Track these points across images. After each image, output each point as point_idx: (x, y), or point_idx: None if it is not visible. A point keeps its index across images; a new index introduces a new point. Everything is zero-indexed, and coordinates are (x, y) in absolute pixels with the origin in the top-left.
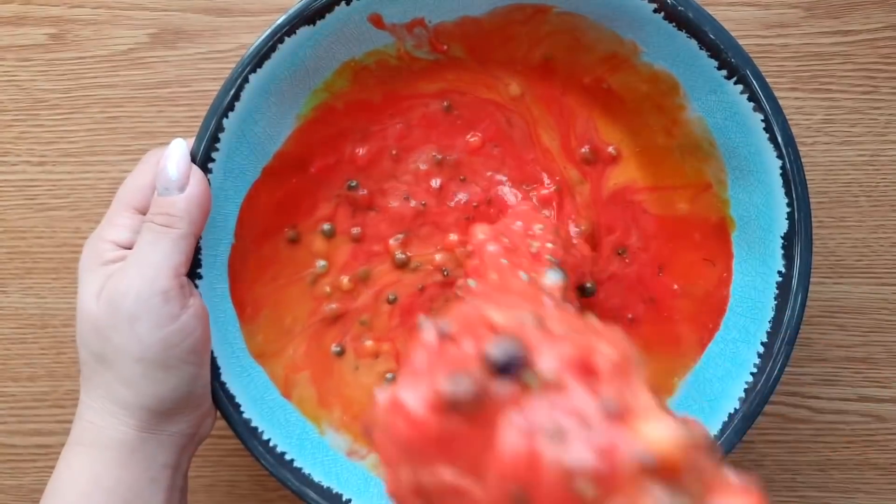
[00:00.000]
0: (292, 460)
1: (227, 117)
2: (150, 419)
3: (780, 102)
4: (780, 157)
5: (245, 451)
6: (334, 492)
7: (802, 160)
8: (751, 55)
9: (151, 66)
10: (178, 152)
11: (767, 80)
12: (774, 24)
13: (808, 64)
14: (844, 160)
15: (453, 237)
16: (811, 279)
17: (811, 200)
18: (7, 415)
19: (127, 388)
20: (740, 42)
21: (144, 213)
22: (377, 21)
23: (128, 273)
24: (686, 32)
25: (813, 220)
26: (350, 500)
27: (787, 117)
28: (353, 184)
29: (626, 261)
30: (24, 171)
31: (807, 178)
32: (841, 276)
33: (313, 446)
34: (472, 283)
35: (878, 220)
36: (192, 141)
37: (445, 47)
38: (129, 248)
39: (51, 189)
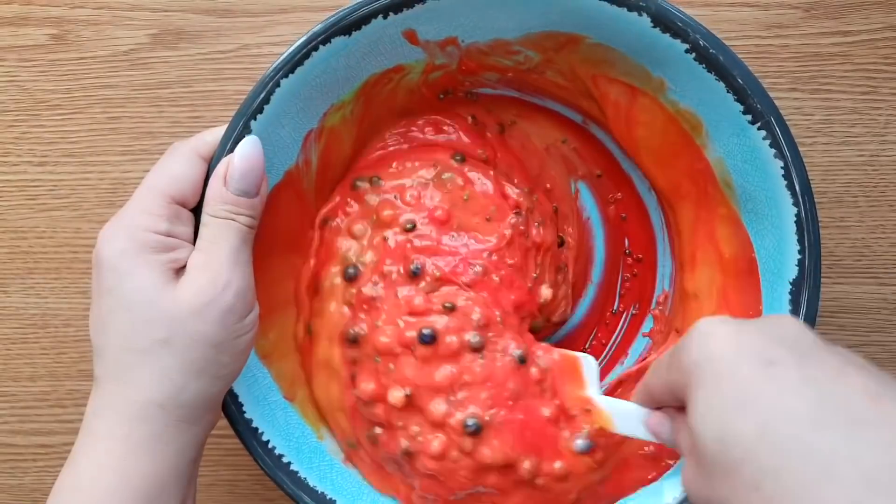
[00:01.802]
0: (289, 463)
1: (255, 119)
2: (194, 410)
3: (779, 103)
4: (795, 204)
5: (246, 451)
6: (328, 497)
7: (803, 160)
8: (750, 56)
9: (152, 67)
10: (257, 152)
11: (767, 81)
12: (774, 24)
13: (808, 64)
14: (843, 160)
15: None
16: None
17: None
18: (8, 414)
19: (189, 374)
20: (739, 43)
21: (181, 205)
22: (412, 37)
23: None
24: (715, 75)
25: None
26: None
27: (787, 118)
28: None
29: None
30: (25, 172)
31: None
32: (840, 277)
33: (311, 450)
34: None
35: (877, 220)
36: (252, 140)
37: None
38: (170, 237)
39: (52, 189)
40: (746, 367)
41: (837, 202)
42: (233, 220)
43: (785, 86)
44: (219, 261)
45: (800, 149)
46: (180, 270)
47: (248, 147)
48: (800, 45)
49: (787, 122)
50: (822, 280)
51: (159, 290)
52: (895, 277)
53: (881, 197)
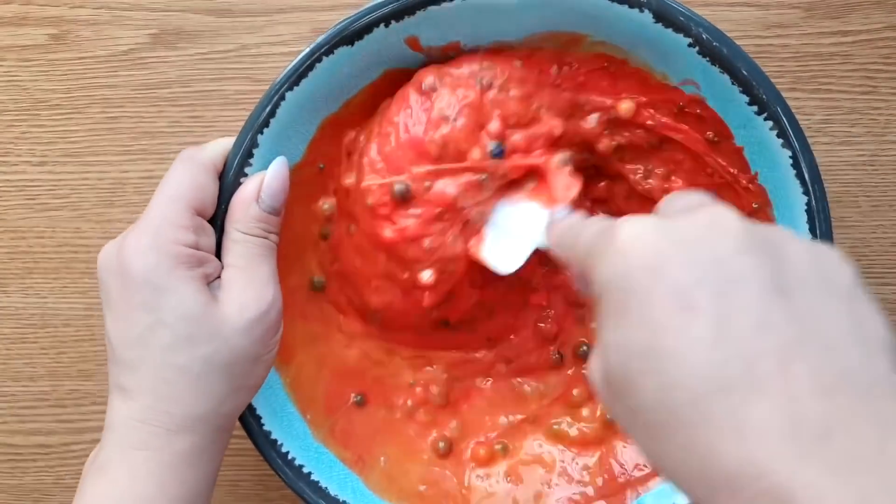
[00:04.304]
0: (310, 473)
1: (262, 133)
2: (230, 420)
3: None
4: (805, 193)
5: (247, 451)
6: None
7: (811, 149)
8: (750, 55)
9: (152, 67)
10: (286, 171)
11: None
12: (774, 24)
13: (808, 64)
14: (844, 160)
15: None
16: None
17: None
18: (7, 414)
19: (229, 387)
20: (739, 43)
21: (199, 215)
22: (414, 44)
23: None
24: (719, 68)
25: None
26: None
27: None
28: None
29: None
30: (24, 172)
31: None
32: None
33: (330, 460)
34: None
35: (877, 220)
36: (282, 160)
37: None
38: (198, 250)
39: (51, 189)
40: (658, 309)
41: (837, 202)
42: (266, 238)
43: (785, 86)
44: (261, 279)
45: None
46: (210, 284)
47: (279, 166)
48: (800, 44)
49: (816, 160)
50: None
51: (202, 307)
52: (895, 277)
53: (881, 197)
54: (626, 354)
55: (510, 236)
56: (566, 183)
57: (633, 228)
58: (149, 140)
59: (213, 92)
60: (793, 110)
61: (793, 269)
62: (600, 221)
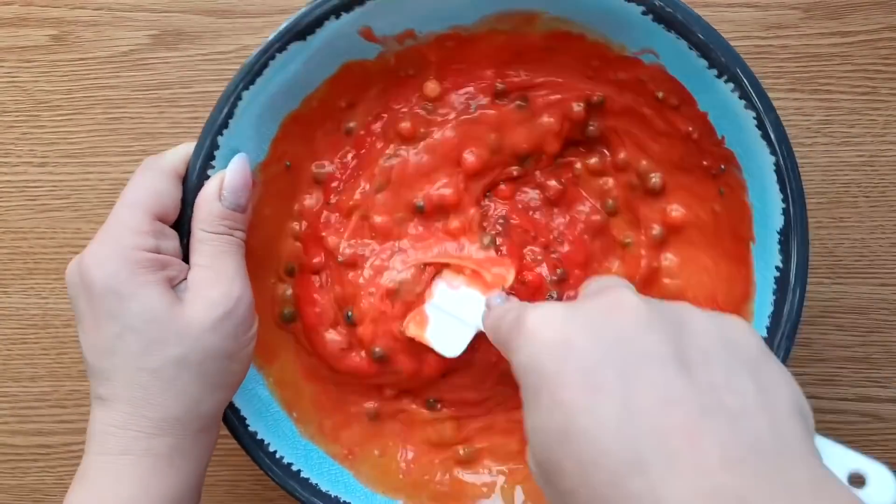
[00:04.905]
0: (299, 471)
1: (221, 135)
2: (210, 420)
3: (779, 104)
4: (773, 153)
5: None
6: (342, 500)
7: (801, 161)
8: (750, 56)
9: (153, 68)
10: (246, 168)
11: (766, 81)
12: (773, 25)
13: (807, 65)
14: (843, 161)
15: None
16: (810, 279)
17: (810, 201)
18: (8, 415)
19: (205, 387)
20: (739, 44)
21: (162, 221)
22: (368, 34)
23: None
24: (675, 33)
25: (811, 220)
26: None
27: (786, 118)
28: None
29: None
30: (25, 172)
31: (805, 178)
32: (840, 277)
33: (319, 456)
34: None
35: (876, 220)
36: (241, 156)
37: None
38: (159, 254)
39: (52, 190)
40: (567, 391)
41: (837, 202)
42: (231, 235)
43: (785, 86)
44: (227, 275)
45: (799, 150)
46: (176, 286)
47: (239, 163)
48: (799, 45)
49: (787, 123)
50: (822, 280)
51: (167, 309)
52: (895, 277)
53: (881, 197)
54: (546, 438)
55: (453, 320)
56: (497, 270)
57: (539, 315)
58: (150, 141)
59: (214, 93)
60: (793, 111)
61: (696, 342)
62: (517, 308)
